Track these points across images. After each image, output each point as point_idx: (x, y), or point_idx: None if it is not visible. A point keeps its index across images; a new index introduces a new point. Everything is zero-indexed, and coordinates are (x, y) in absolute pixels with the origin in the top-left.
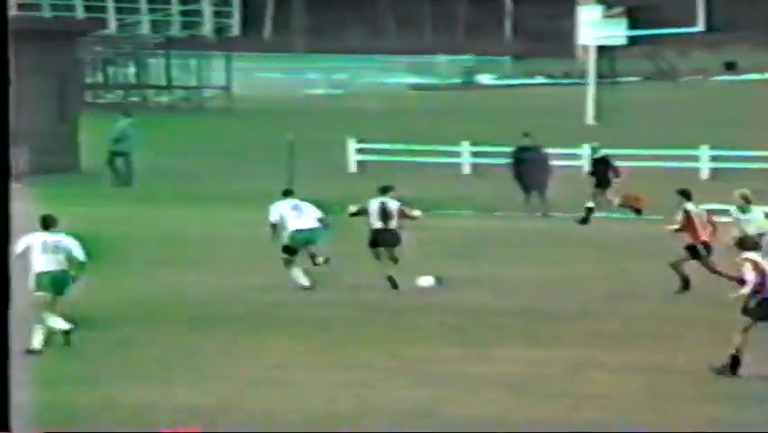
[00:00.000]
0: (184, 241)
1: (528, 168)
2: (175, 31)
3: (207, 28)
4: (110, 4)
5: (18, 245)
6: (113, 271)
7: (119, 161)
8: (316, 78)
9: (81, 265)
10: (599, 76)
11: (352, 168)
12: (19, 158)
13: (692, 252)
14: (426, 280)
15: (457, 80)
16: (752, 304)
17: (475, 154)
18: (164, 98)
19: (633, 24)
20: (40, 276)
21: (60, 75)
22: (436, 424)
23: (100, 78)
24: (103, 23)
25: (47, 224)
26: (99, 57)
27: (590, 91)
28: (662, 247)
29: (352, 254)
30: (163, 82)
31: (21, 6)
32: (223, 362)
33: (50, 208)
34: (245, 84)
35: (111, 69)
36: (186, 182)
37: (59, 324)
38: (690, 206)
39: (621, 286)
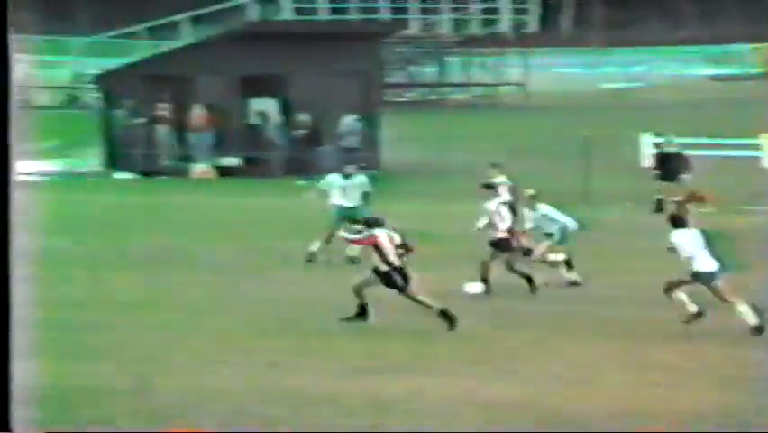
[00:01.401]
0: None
1: None
2: (474, 29)
3: (505, 25)
4: (413, 5)
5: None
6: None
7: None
8: (614, 71)
9: None
10: None
11: (647, 163)
12: (327, 156)
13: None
14: (474, 288)
15: (762, 70)
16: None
17: None
18: (461, 96)
19: None
20: None
21: (365, 75)
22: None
23: (401, 77)
24: (406, 24)
25: None
26: (401, 56)
27: None
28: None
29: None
30: (461, 80)
31: (334, 11)
32: (530, 359)
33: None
34: (541, 79)
35: (411, 69)
36: (474, 178)
37: None
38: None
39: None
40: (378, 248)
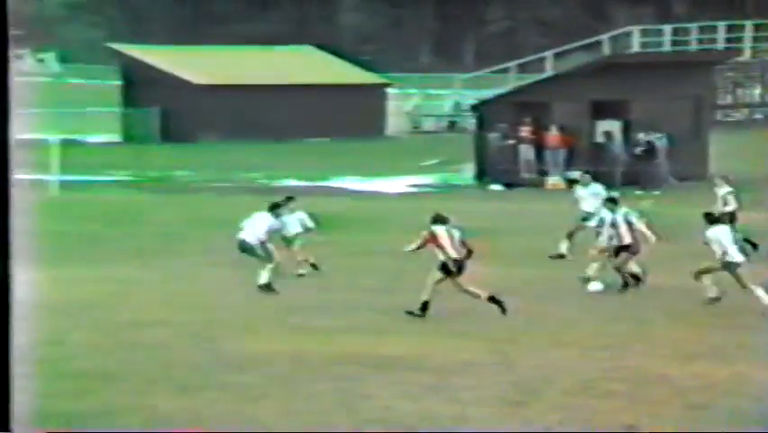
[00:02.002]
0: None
1: None
2: None
3: None
4: (747, 35)
5: None
6: None
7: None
8: None
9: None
10: None
11: None
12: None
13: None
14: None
15: None
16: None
17: None
18: None
19: None
20: None
21: (697, 98)
22: None
23: (729, 99)
24: (741, 52)
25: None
26: (730, 81)
27: None
28: None
29: None
30: None
31: (675, 43)
32: None
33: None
34: None
35: (739, 91)
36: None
37: None
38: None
39: None
40: (438, 244)
